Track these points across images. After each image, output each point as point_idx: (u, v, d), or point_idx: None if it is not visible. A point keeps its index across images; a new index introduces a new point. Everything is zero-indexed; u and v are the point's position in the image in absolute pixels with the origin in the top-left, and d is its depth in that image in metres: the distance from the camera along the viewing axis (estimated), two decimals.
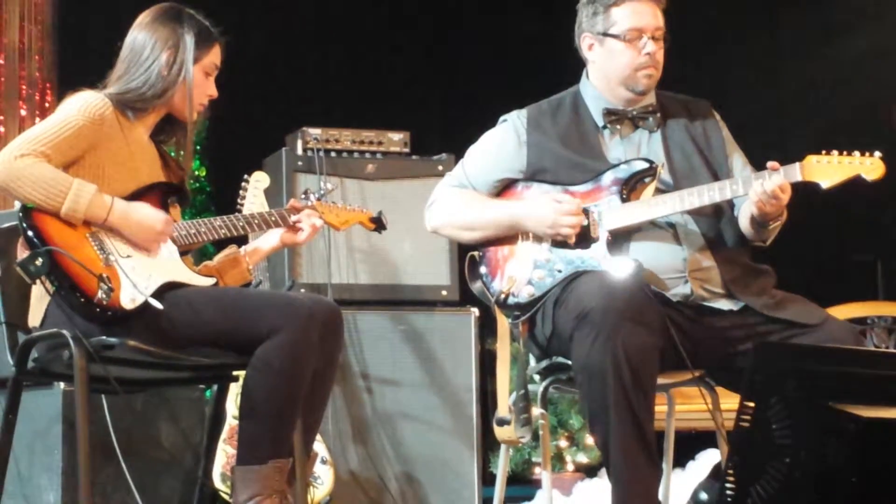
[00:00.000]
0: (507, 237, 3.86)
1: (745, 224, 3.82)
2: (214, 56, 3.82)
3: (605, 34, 3.87)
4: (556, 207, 3.77)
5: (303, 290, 5.30)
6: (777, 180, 3.67)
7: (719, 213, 3.84)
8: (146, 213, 3.64)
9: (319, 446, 5.08)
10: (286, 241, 4.00)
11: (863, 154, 3.71)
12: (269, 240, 4.00)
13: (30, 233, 3.50)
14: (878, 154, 3.70)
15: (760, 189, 3.67)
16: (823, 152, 3.70)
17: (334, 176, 5.52)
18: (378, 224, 4.19)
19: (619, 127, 3.91)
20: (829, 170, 3.69)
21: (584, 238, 3.77)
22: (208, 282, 3.72)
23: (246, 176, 4.29)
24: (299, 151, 5.56)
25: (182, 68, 3.74)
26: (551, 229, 3.77)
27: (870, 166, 3.70)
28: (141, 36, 3.76)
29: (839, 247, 7.23)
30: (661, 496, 3.65)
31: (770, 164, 3.73)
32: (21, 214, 3.52)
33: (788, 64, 7.53)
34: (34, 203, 3.50)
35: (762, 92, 7.43)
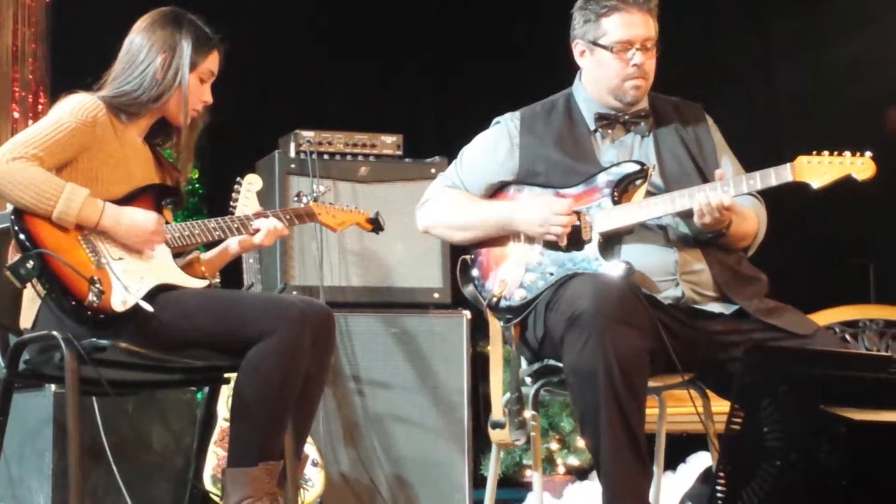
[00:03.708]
0: (499, 239, 3.86)
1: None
2: (211, 63, 3.80)
3: (595, 43, 3.87)
4: (549, 207, 3.77)
5: (294, 293, 5.30)
6: (718, 196, 3.65)
7: None
8: (137, 216, 3.64)
9: (310, 448, 5.08)
10: (244, 246, 3.94)
11: (853, 154, 3.71)
12: (227, 248, 3.95)
13: (21, 236, 3.49)
14: (868, 154, 3.70)
15: (705, 199, 3.66)
16: (814, 153, 3.71)
17: (327, 178, 5.52)
18: (375, 225, 4.18)
19: (610, 131, 3.92)
20: (819, 170, 3.70)
21: (576, 240, 3.76)
22: (201, 284, 3.71)
23: (239, 178, 4.28)
24: (292, 154, 5.56)
25: (178, 73, 3.73)
26: (542, 228, 3.77)
27: (861, 166, 3.70)
28: (138, 39, 3.76)
29: (832, 250, 7.24)
30: (651, 499, 3.65)
31: (718, 172, 3.74)
32: (13, 217, 3.51)
33: (782, 66, 7.54)
34: (26, 206, 3.50)
35: (756, 94, 7.44)
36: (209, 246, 3.93)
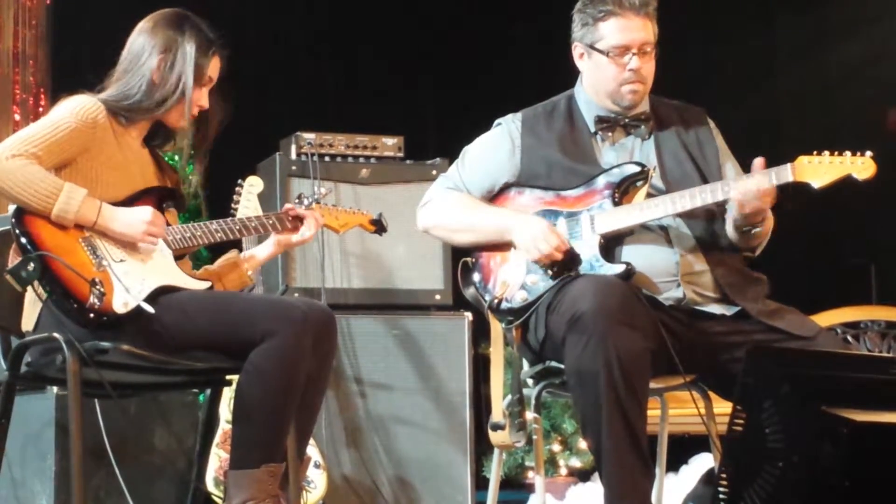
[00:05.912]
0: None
1: (730, 229, 3.81)
2: (211, 69, 3.78)
3: (593, 47, 3.87)
4: (542, 234, 3.73)
5: (296, 295, 5.30)
6: (761, 181, 3.66)
7: (712, 217, 3.83)
8: (132, 211, 3.62)
9: (313, 450, 5.08)
10: (283, 244, 3.96)
11: (854, 154, 3.71)
12: (265, 247, 3.98)
13: (22, 239, 3.49)
14: (868, 153, 3.71)
15: (744, 187, 3.67)
16: (815, 153, 3.71)
17: (328, 180, 5.52)
18: (378, 226, 4.18)
19: (610, 133, 3.91)
20: (820, 170, 3.70)
21: (565, 267, 3.74)
22: (203, 286, 3.71)
23: (240, 180, 4.29)
24: (293, 156, 5.56)
25: (180, 79, 3.71)
26: (534, 247, 3.74)
27: (861, 166, 3.70)
28: (140, 40, 3.75)
29: (833, 250, 7.23)
30: (653, 500, 3.65)
31: (757, 160, 3.73)
32: (13, 220, 3.51)
33: (784, 66, 7.54)
34: (24, 204, 3.49)
35: (757, 93, 7.44)
36: (212, 248, 3.93)
